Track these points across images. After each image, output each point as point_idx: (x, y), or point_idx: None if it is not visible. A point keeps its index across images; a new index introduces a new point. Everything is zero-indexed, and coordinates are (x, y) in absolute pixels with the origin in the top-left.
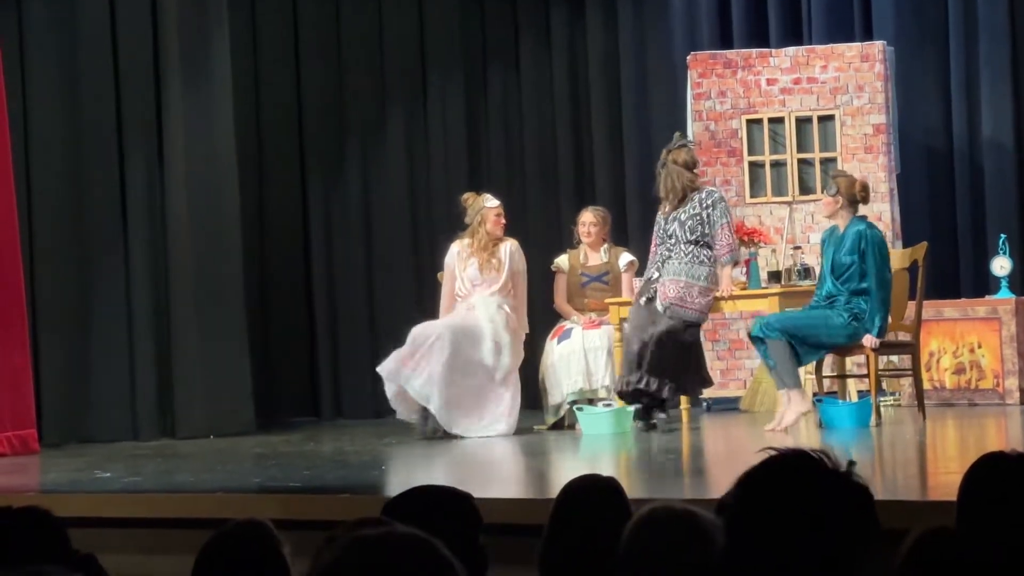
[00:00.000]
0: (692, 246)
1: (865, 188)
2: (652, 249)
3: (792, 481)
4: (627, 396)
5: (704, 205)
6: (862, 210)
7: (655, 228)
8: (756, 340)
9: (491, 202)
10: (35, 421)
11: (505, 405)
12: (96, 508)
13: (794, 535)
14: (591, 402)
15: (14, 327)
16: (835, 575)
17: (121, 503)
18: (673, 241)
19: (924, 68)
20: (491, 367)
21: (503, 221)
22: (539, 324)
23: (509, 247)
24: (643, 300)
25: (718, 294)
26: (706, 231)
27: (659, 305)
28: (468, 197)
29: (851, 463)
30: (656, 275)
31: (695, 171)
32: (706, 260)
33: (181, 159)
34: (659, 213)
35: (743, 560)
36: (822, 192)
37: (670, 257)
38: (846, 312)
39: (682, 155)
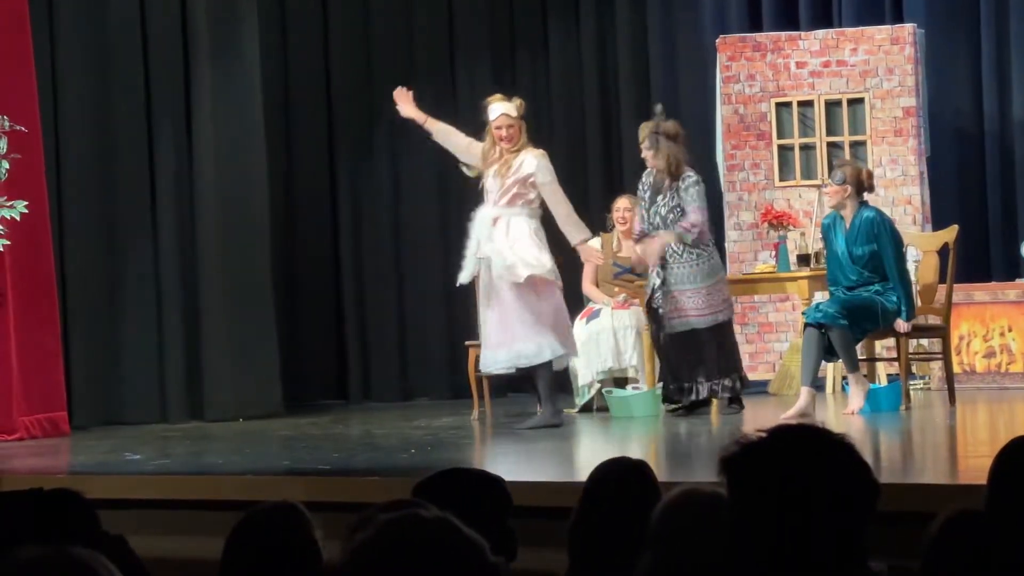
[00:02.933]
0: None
1: (871, 176)
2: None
3: (792, 452)
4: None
5: (681, 191)
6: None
7: (639, 213)
8: (812, 327)
9: (492, 114)
10: (65, 403)
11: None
12: (125, 490)
13: (794, 508)
14: (620, 383)
15: (44, 310)
16: (839, 550)
17: (150, 485)
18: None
19: (954, 51)
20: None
21: (503, 134)
22: (568, 306)
23: (524, 159)
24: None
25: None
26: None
27: (680, 324)
28: (490, 100)
29: (843, 435)
30: (658, 281)
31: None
32: (704, 250)
33: (210, 140)
34: (641, 201)
35: (745, 537)
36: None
37: (667, 262)
38: (895, 296)
39: (671, 127)
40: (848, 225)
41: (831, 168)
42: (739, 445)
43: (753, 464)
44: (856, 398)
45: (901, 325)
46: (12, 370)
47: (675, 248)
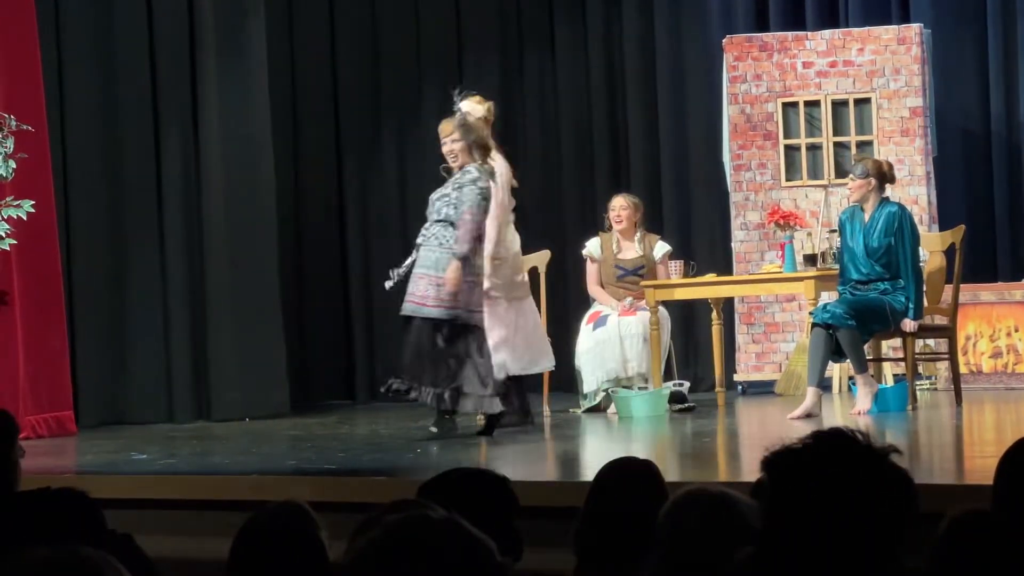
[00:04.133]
0: (439, 226)
1: (891, 167)
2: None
3: (831, 460)
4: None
5: (456, 185)
6: (890, 193)
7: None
8: (820, 327)
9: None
10: (72, 403)
11: None
12: (132, 489)
13: (833, 516)
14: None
15: (51, 309)
16: (874, 557)
17: (157, 485)
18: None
19: (961, 50)
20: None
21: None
22: (573, 308)
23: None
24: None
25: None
26: (451, 213)
27: (406, 308)
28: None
29: (892, 448)
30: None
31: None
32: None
33: (217, 140)
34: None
35: (780, 540)
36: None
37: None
38: (903, 296)
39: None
40: (868, 218)
41: (838, 168)
42: (782, 447)
43: (794, 467)
44: (863, 399)
45: (908, 324)
46: (19, 369)
47: (431, 232)
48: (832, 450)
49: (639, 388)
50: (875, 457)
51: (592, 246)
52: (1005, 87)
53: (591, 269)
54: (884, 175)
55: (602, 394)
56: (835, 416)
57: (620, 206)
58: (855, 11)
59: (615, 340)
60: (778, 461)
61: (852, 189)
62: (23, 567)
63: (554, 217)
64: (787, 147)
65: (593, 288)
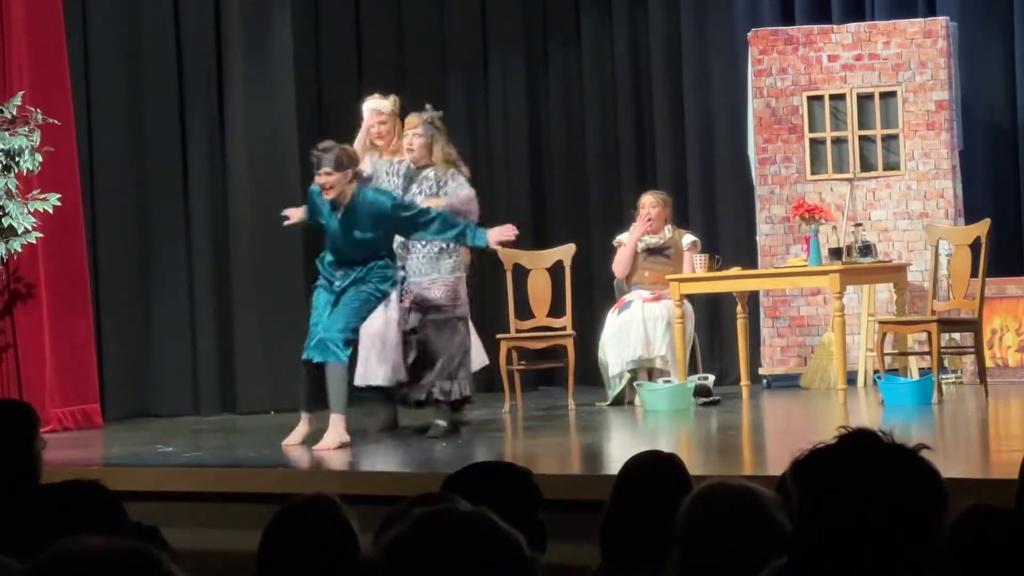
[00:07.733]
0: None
1: (354, 150)
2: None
3: (859, 459)
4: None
5: (441, 183)
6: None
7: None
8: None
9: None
10: (98, 396)
11: None
12: (158, 482)
13: (862, 516)
14: (650, 374)
15: (77, 303)
16: (906, 554)
17: (183, 477)
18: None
19: (987, 44)
20: None
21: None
22: (598, 302)
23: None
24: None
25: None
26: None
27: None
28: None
29: (922, 446)
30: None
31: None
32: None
33: (242, 132)
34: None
35: (810, 542)
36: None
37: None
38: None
39: (442, 123)
40: (344, 212)
41: (863, 162)
42: (810, 450)
43: (823, 469)
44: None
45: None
46: (45, 362)
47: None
48: (859, 449)
49: (664, 381)
50: (904, 454)
51: (623, 237)
52: None
53: (620, 253)
54: (353, 159)
55: (627, 375)
56: (861, 415)
57: (649, 203)
58: (881, 4)
59: (639, 322)
60: (806, 464)
61: (333, 184)
62: (76, 558)
63: (579, 211)
64: (812, 141)
65: (619, 266)
